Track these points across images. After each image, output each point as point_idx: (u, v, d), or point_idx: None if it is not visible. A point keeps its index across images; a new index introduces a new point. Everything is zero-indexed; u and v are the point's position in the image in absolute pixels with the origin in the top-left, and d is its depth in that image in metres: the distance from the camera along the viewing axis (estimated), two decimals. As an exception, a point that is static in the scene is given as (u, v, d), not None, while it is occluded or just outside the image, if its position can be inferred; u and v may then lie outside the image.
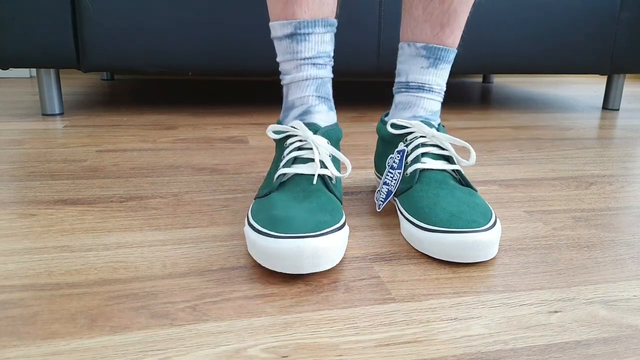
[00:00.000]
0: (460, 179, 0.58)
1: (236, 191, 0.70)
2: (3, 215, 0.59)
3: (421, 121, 0.60)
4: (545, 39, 1.28)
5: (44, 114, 1.19)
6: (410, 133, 0.60)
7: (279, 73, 0.61)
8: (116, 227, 0.57)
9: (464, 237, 0.48)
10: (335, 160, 0.58)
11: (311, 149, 0.55)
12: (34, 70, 1.95)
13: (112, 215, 0.60)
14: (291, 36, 0.56)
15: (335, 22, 0.58)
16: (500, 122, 1.26)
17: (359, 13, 1.18)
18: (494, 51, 1.27)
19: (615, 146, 1.02)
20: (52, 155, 0.86)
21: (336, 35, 1.18)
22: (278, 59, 0.60)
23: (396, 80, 0.65)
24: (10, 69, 1.13)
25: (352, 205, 0.65)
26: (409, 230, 0.53)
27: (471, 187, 0.57)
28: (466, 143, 0.57)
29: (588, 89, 1.98)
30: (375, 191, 0.71)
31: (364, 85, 1.91)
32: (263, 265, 0.46)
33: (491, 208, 0.54)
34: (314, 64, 0.57)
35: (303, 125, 0.55)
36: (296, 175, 0.54)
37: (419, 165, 0.57)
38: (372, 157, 0.89)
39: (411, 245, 0.54)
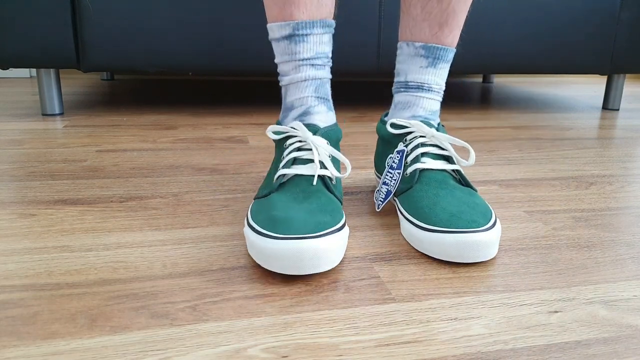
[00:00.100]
0: (460, 179, 0.58)
1: (236, 191, 0.70)
2: (3, 215, 0.59)
3: (421, 121, 0.60)
4: (545, 39, 1.28)
5: (44, 114, 1.19)
6: (410, 133, 0.60)
7: (277, 74, 0.61)
8: (116, 227, 0.57)
9: (464, 237, 0.48)
10: (335, 161, 0.58)
11: (311, 149, 0.55)
12: (34, 70, 1.95)
13: (112, 215, 0.60)
14: (289, 37, 0.56)
15: (333, 23, 0.58)
16: (500, 122, 1.26)
17: (359, 13, 1.18)
18: (494, 51, 1.27)
19: (615, 146, 1.02)
20: (52, 155, 0.86)
21: (336, 35, 1.18)
22: (276, 60, 0.60)
23: (395, 80, 0.65)
24: (10, 69, 1.13)
25: (352, 205, 0.65)
26: (409, 230, 0.53)
27: (471, 187, 0.57)
28: (465, 143, 0.57)
29: (588, 89, 1.98)
30: (375, 191, 0.71)
31: (364, 85, 1.91)
32: (263, 266, 0.46)
33: (491, 208, 0.54)
34: (312, 64, 0.57)
35: (303, 126, 0.55)
36: (296, 176, 0.54)
37: (418, 165, 0.57)
38: (372, 157, 0.89)
39: (411, 245, 0.54)
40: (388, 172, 0.60)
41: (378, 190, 0.61)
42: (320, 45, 0.57)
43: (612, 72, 1.35)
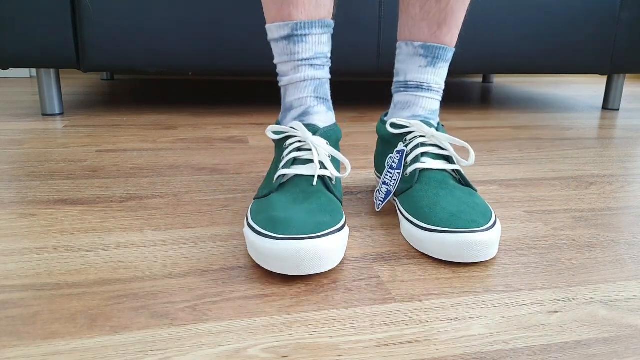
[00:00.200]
0: (460, 179, 0.58)
1: (236, 191, 0.70)
2: (3, 215, 0.59)
3: (421, 121, 0.60)
4: (545, 39, 1.28)
5: (44, 114, 1.19)
6: (410, 133, 0.60)
7: (277, 74, 0.61)
8: (116, 227, 0.57)
9: (464, 237, 0.48)
10: (335, 161, 0.58)
11: (310, 150, 0.55)
12: (34, 70, 1.95)
13: (112, 215, 0.60)
14: (288, 37, 0.56)
15: (332, 23, 0.58)
16: (500, 122, 1.26)
17: (359, 13, 1.18)
18: (494, 51, 1.27)
19: (615, 146, 1.02)
20: (52, 155, 0.86)
21: (336, 35, 1.18)
22: (275, 61, 0.60)
23: (395, 79, 0.65)
24: (10, 69, 1.13)
25: (352, 205, 0.65)
26: (409, 230, 0.53)
27: (471, 187, 0.57)
28: (465, 143, 0.57)
29: (588, 89, 1.98)
30: (374, 191, 0.71)
31: (364, 85, 1.91)
32: (263, 266, 0.46)
33: (491, 208, 0.54)
34: (311, 65, 0.57)
35: (302, 126, 0.55)
36: (296, 176, 0.54)
37: (418, 165, 0.57)
38: (372, 157, 0.89)
39: (411, 245, 0.54)
40: (388, 172, 0.60)
41: (378, 190, 0.61)
42: (319, 45, 0.57)
43: (612, 72, 1.35)
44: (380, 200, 0.59)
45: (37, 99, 1.42)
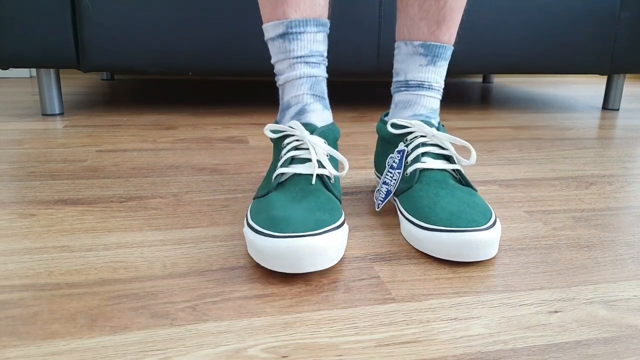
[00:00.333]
0: (460, 179, 0.58)
1: (236, 191, 0.70)
2: (3, 215, 0.59)
3: (421, 121, 0.60)
4: (545, 39, 1.28)
5: (44, 114, 1.19)
6: (411, 133, 0.60)
7: (274, 75, 0.62)
8: (116, 227, 0.57)
9: (463, 236, 0.48)
10: (333, 160, 0.58)
11: (308, 149, 0.55)
12: (34, 70, 1.95)
13: (112, 215, 0.60)
14: (283, 36, 0.57)
15: (327, 22, 0.59)
16: (500, 122, 1.26)
17: (359, 13, 1.18)
18: (494, 51, 1.27)
19: (615, 146, 1.02)
20: (52, 155, 0.86)
21: (336, 35, 1.18)
22: (272, 60, 0.60)
23: (394, 79, 0.65)
24: (10, 69, 1.13)
25: (352, 205, 0.65)
26: (409, 229, 0.53)
27: (471, 186, 0.57)
28: (466, 142, 0.57)
29: (588, 89, 1.98)
30: (375, 191, 0.71)
31: (364, 85, 1.91)
32: (262, 265, 0.46)
33: (491, 208, 0.54)
34: (307, 62, 0.58)
35: (300, 125, 0.55)
36: (295, 175, 0.54)
37: (419, 165, 0.57)
38: (372, 157, 0.89)
39: (411, 245, 0.54)
40: (388, 171, 0.60)
41: (378, 190, 0.61)
42: (314, 43, 0.58)
43: (612, 72, 1.35)
44: (380, 200, 0.59)
45: (37, 99, 1.42)
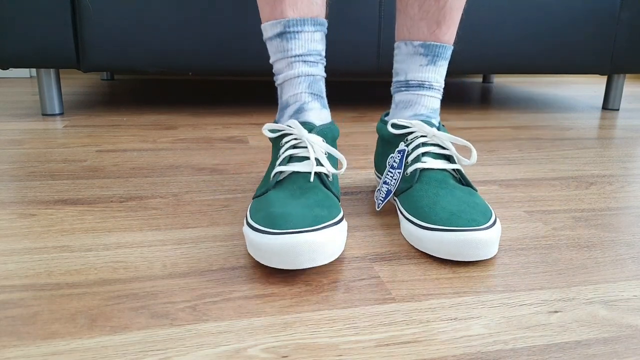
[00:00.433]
0: (461, 178, 0.58)
1: (236, 191, 0.70)
2: (3, 215, 0.59)
3: (422, 120, 0.60)
4: (545, 39, 1.28)
5: (44, 114, 1.19)
6: (411, 133, 0.60)
7: (273, 75, 0.62)
8: (116, 227, 0.57)
9: (464, 235, 0.48)
10: (332, 158, 0.58)
11: (306, 147, 0.55)
12: (34, 70, 1.95)
13: (112, 215, 0.60)
14: (281, 35, 0.57)
15: (325, 21, 0.59)
16: (500, 122, 1.26)
17: (359, 13, 1.18)
18: (494, 51, 1.27)
19: (615, 146, 1.02)
20: (52, 155, 0.86)
21: (336, 35, 1.18)
22: (271, 60, 0.61)
23: (394, 79, 0.65)
24: (10, 69, 1.13)
25: (351, 205, 0.65)
26: (409, 229, 0.53)
27: (471, 186, 0.57)
28: (467, 142, 0.57)
29: (588, 89, 1.98)
30: (375, 191, 0.71)
31: (364, 85, 1.91)
32: (261, 262, 0.46)
33: (491, 208, 0.54)
34: (304, 61, 0.58)
35: (298, 124, 0.55)
36: (293, 173, 0.54)
37: (419, 165, 0.57)
38: (372, 157, 0.89)
39: (411, 245, 0.54)
40: (389, 171, 0.60)
41: (378, 189, 0.61)
42: (312, 42, 0.58)
43: (612, 72, 1.35)
44: (380, 200, 0.59)
45: (37, 99, 1.42)
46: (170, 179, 0.74)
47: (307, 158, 0.55)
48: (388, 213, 0.63)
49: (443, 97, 1.62)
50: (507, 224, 0.60)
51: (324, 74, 0.61)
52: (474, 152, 0.57)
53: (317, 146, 0.54)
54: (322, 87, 0.60)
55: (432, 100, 0.62)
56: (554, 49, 1.30)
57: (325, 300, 0.43)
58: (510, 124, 1.23)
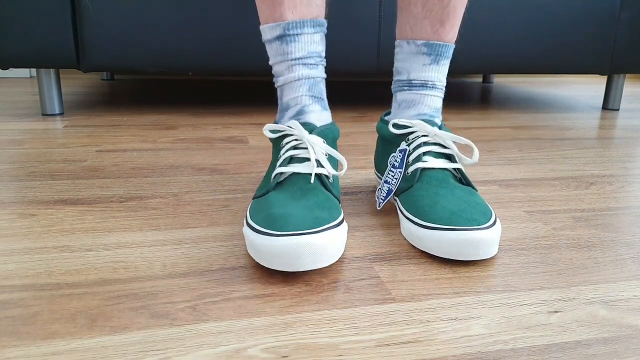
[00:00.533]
0: (461, 178, 0.58)
1: (236, 191, 0.70)
2: (3, 215, 0.59)
3: (424, 120, 0.60)
4: (545, 39, 1.28)
5: (44, 114, 1.19)
6: (412, 132, 0.60)
7: (273, 75, 0.62)
8: (116, 227, 0.57)
9: (464, 234, 0.48)
10: (332, 159, 0.58)
11: (307, 148, 0.55)
12: (34, 70, 1.95)
13: (112, 215, 0.60)
14: (280, 38, 0.57)
15: (324, 22, 0.59)
16: (500, 122, 1.26)
17: (359, 13, 1.18)
18: (494, 51, 1.27)
19: (615, 146, 1.02)
20: (52, 155, 0.86)
21: (336, 35, 1.18)
22: (270, 62, 0.60)
23: (396, 78, 0.65)
24: (10, 69, 1.13)
25: (352, 205, 0.65)
26: (409, 228, 0.53)
27: (471, 186, 0.57)
28: (469, 141, 0.57)
29: (588, 89, 1.98)
30: (375, 190, 0.71)
31: (364, 85, 1.91)
32: (262, 264, 0.46)
33: (491, 208, 0.54)
34: (305, 64, 0.58)
35: (299, 124, 0.55)
36: (293, 174, 0.54)
37: (420, 164, 0.57)
38: (372, 157, 0.89)
39: (411, 245, 0.54)
40: (390, 170, 0.60)
41: (379, 188, 0.61)
42: (312, 44, 0.58)
43: (612, 72, 1.35)
44: (381, 199, 0.59)
45: (37, 99, 1.42)
46: (170, 179, 0.74)
47: (308, 159, 0.54)
48: (388, 213, 0.63)
49: (443, 96, 1.62)
50: (507, 224, 0.60)
51: (324, 75, 0.60)
52: (476, 151, 0.57)
53: (317, 147, 0.54)
54: (322, 89, 0.60)
55: (435, 100, 0.62)
56: (554, 49, 1.30)
57: (325, 300, 0.43)
58: (510, 124, 1.23)
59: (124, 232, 0.55)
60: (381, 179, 0.68)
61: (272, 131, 0.59)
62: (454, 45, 0.62)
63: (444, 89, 0.63)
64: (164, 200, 0.65)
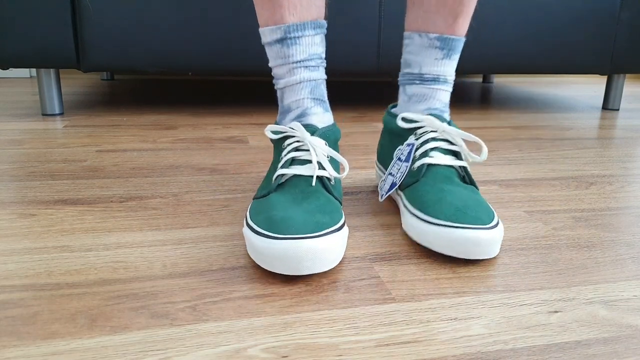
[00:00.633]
0: (465, 176, 0.58)
1: (236, 191, 0.70)
2: (3, 215, 0.59)
3: (434, 115, 0.60)
4: (545, 39, 1.28)
5: (44, 114, 1.19)
6: (421, 127, 0.60)
7: (272, 77, 0.61)
8: (116, 227, 0.57)
9: (471, 232, 0.48)
10: (334, 162, 0.58)
11: (308, 150, 0.55)
12: (34, 70, 1.95)
13: (112, 215, 0.60)
14: (281, 41, 0.56)
15: (324, 23, 0.58)
16: (500, 122, 1.26)
17: (359, 13, 1.18)
18: (494, 51, 1.27)
19: (615, 146, 1.02)
20: (52, 155, 0.86)
21: (336, 35, 1.18)
22: (270, 64, 0.60)
23: (405, 71, 0.64)
24: (10, 69, 1.13)
25: (352, 206, 0.65)
26: (412, 223, 0.53)
27: (474, 185, 0.57)
28: (477, 138, 0.57)
29: (588, 89, 1.98)
30: (375, 190, 0.71)
31: (364, 85, 1.91)
32: (262, 266, 0.46)
33: (492, 208, 0.54)
34: (306, 66, 0.57)
35: (301, 126, 0.55)
36: (294, 176, 0.53)
37: (426, 160, 0.57)
38: (372, 157, 0.89)
39: (412, 240, 0.54)
40: (396, 163, 0.59)
41: (383, 180, 0.61)
42: (312, 46, 0.57)
43: (612, 72, 1.35)
44: (384, 191, 0.59)
45: (37, 99, 1.42)
46: (170, 179, 0.74)
47: (309, 161, 0.54)
48: (388, 213, 0.63)
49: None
50: (507, 224, 0.60)
51: (325, 77, 0.60)
52: (485, 149, 0.57)
53: (319, 149, 0.54)
54: (323, 90, 0.60)
55: (445, 95, 0.62)
56: (554, 49, 1.30)
57: (325, 300, 0.43)
58: (510, 124, 1.23)
59: (124, 232, 0.55)
60: (383, 171, 0.68)
61: (274, 132, 0.58)
62: (464, 39, 0.62)
63: (453, 82, 0.63)
64: (164, 200, 0.65)
